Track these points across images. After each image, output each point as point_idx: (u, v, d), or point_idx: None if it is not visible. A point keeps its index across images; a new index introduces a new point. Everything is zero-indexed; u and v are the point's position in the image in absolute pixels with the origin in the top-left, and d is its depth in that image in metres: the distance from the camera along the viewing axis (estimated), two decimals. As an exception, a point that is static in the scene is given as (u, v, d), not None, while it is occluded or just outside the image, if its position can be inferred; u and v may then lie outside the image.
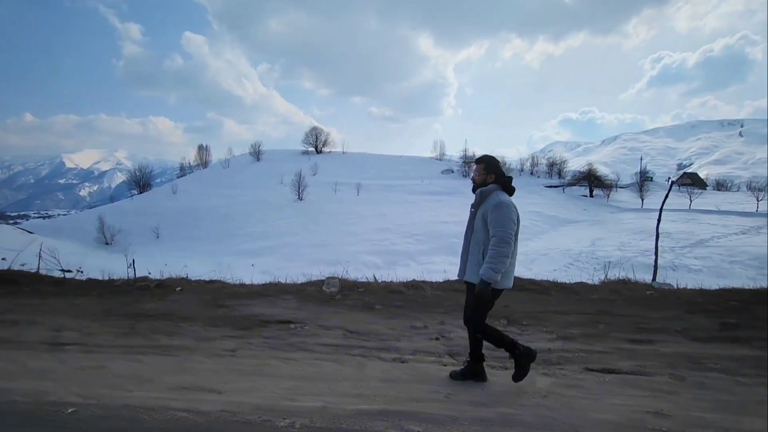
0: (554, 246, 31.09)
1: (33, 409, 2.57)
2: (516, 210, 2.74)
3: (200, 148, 73.59)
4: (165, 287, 6.00)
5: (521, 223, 2.78)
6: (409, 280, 5.81)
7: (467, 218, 2.97)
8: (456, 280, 5.87)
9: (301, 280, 6.31)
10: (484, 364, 2.89)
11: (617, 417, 2.27)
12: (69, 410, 2.53)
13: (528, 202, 44.20)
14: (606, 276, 5.56)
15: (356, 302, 5.11)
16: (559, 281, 5.45)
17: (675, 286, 5.23)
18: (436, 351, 3.54)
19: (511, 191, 2.84)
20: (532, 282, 5.39)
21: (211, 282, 6.37)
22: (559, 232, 37.57)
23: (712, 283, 5.92)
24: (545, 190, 55.66)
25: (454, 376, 2.88)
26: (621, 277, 5.46)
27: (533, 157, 69.61)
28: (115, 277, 6.59)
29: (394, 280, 5.78)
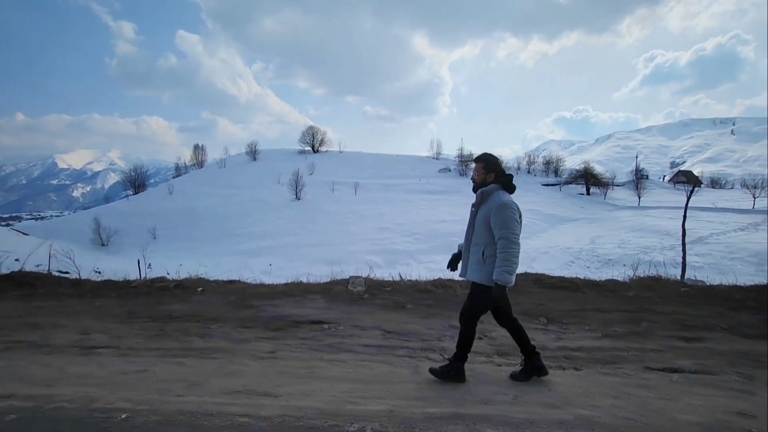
0: (554, 244, 31.19)
1: (83, 415, 2.46)
2: (518, 209, 2.77)
3: (196, 147, 73.00)
4: (185, 288, 5.87)
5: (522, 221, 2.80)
6: (435, 278, 5.73)
7: (467, 217, 2.98)
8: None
9: (315, 280, 6.23)
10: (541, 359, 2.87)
11: (702, 418, 2.21)
12: (122, 416, 2.42)
13: (526, 200, 44.27)
14: (635, 273, 5.52)
15: (386, 302, 5.03)
16: (590, 278, 5.41)
17: (707, 283, 5.20)
18: (485, 351, 3.47)
19: (511, 189, 2.85)
20: (563, 279, 5.33)
21: (231, 282, 6.25)
22: (558, 230, 37.74)
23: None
24: (542, 188, 55.82)
25: (516, 377, 2.83)
26: (652, 275, 5.43)
27: (530, 156, 69.81)
28: (130, 278, 6.44)
29: (420, 279, 5.70)
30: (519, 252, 2.65)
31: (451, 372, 2.81)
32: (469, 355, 3.36)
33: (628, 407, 2.35)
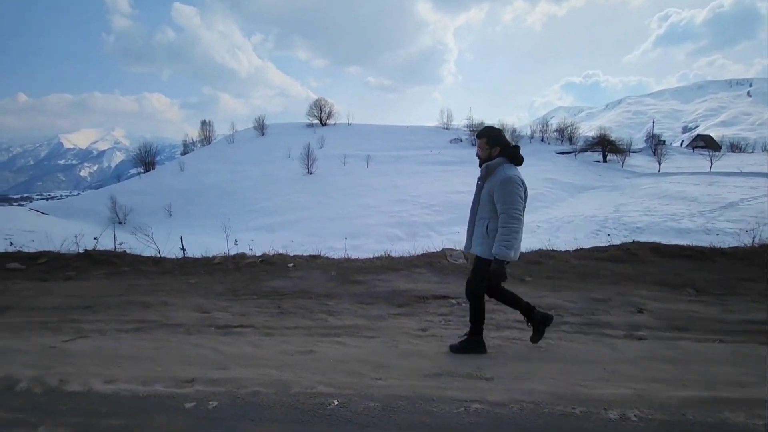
0: (576, 213, 30.70)
1: (289, 401, 2.25)
2: (523, 184, 2.69)
3: (203, 123, 72.07)
4: (272, 264, 5.68)
5: (529, 193, 2.74)
6: (535, 249, 5.48)
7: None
8: (592, 248, 5.54)
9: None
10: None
11: None
12: (335, 402, 2.22)
13: (541, 169, 43.58)
14: (753, 241, 5.24)
15: (498, 274, 4.78)
16: (715, 246, 5.13)
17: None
18: (654, 325, 3.23)
19: (519, 161, 2.77)
20: (683, 248, 5.05)
21: (315, 257, 6.05)
22: (578, 199, 37.16)
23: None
24: (557, 156, 54.80)
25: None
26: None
27: (543, 123, 68.17)
28: (210, 255, 6.25)
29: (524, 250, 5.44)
30: (520, 228, 2.64)
31: (471, 346, 2.82)
32: (646, 329, 3.13)
33: None
